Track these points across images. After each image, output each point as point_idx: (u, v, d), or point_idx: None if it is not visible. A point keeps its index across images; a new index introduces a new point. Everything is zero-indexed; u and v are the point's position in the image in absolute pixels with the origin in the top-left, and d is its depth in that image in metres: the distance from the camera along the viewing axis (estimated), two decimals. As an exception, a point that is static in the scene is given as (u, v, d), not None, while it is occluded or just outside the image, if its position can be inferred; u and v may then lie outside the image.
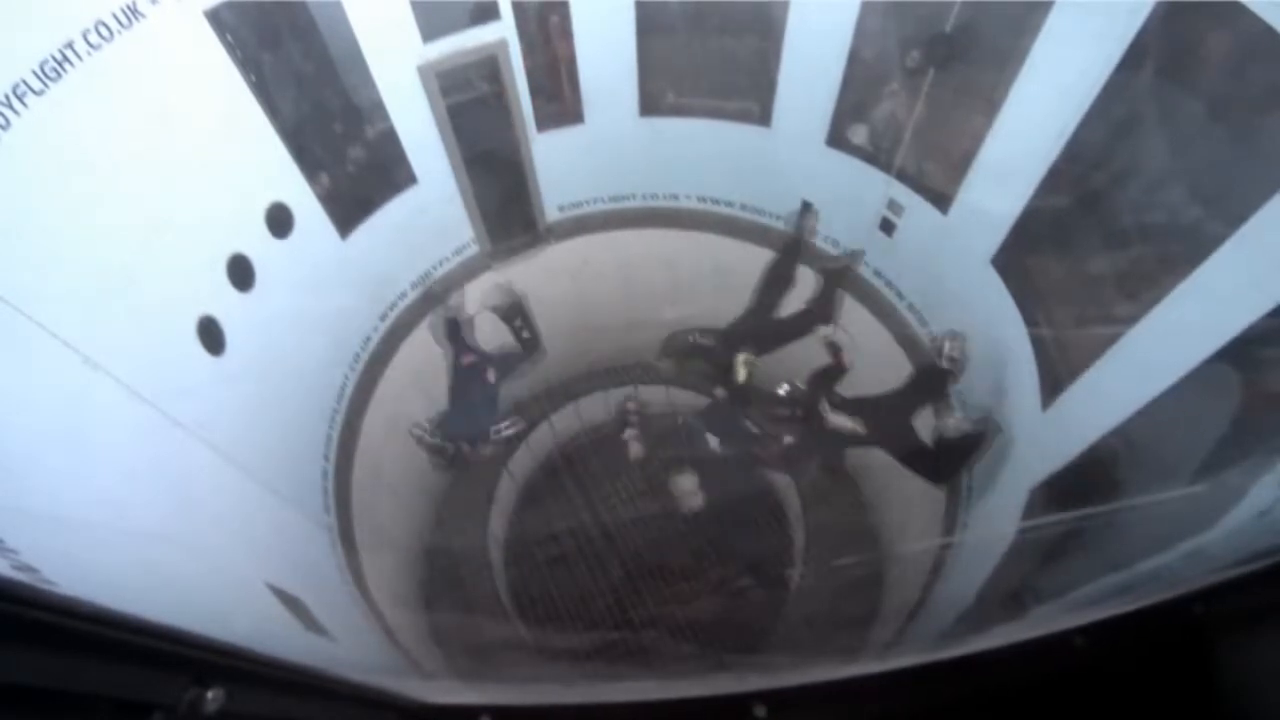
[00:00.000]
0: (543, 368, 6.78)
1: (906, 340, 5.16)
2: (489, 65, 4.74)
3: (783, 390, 4.26)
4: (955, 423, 4.21)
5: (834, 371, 4.62)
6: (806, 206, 4.99)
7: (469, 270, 5.71)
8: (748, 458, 5.17)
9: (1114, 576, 2.57)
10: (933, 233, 4.60)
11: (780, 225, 5.69)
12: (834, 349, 4.61)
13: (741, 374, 4.58)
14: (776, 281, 4.99)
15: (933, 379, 4.46)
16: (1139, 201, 3.61)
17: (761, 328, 4.90)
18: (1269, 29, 2.57)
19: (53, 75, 2.64)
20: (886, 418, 4.49)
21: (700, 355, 4.81)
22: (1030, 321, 4.05)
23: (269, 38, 4.05)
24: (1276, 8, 2.54)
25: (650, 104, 5.27)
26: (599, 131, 5.33)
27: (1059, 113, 3.49)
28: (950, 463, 4.48)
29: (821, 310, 4.95)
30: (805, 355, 4.90)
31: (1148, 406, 3.19)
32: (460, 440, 4.62)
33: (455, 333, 5.14)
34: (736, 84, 5.24)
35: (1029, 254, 4.09)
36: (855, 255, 4.93)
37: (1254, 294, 2.65)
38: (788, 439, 4.56)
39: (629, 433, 5.31)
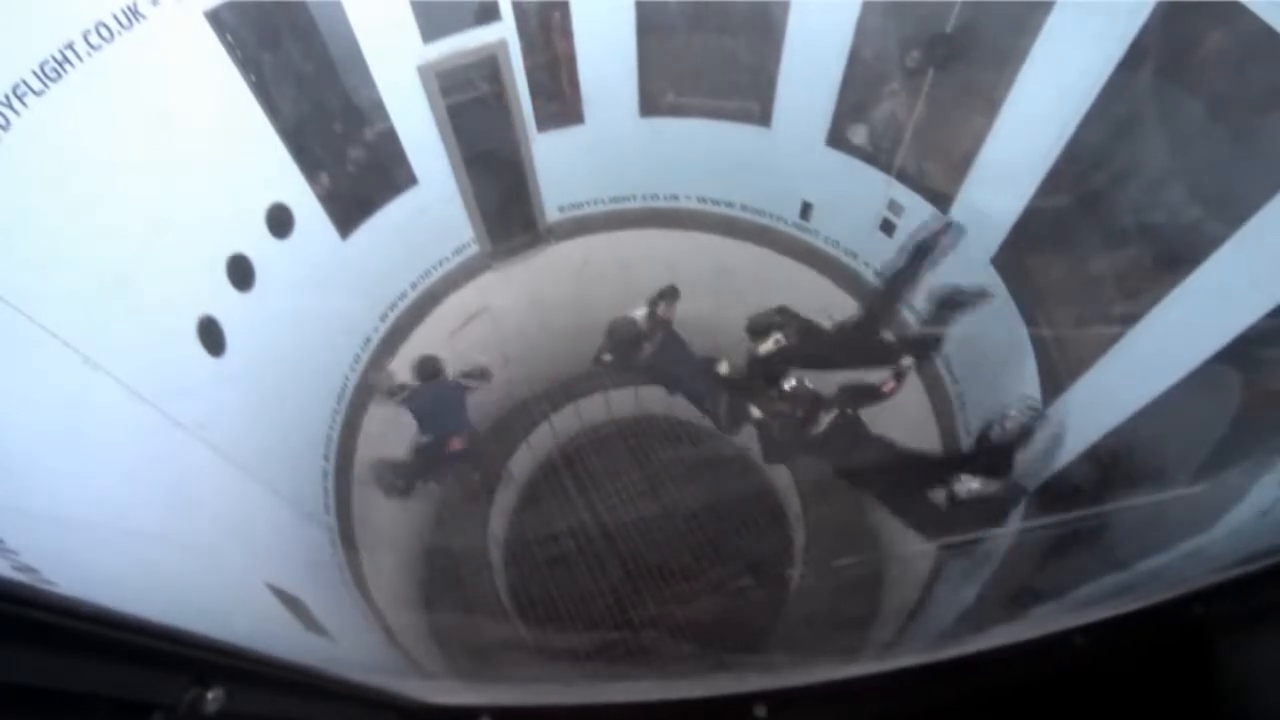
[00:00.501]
0: (543, 368, 6.79)
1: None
2: (489, 65, 4.74)
3: (788, 385, 4.08)
4: (964, 484, 3.81)
5: (873, 395, 4.23)
6: (949, 224, 4.33)
7: (469, 270, 5.72)
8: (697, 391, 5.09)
9: (1114, 576, 2.57)
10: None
11: (781, 226, 5.69)
12: (898, 377, 4.15)
13: (769, 345, 4.43)
14: (896, 294, 4.63)
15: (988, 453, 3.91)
16: (1139, 201, 3.62)
17: (861, 342, 4.56)
18: (1269, 29, 2.57)
19: (53, 75, 2.64)
20: (905, 475, 4.09)
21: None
22: (1030, 321, 4.05)
23: (269, 38, 4.04)
24: (1276, 8, 2.54)
25: (650, 104, 5.27)
26: (599, 131, 5.33)
27: (1059, 113, 3.49)
28: (959, 527, 4.02)
29: (927, 344, 4.56)
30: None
31: (1148, 406, 3.19)
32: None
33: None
34: (736, 84, 5.24)
35: (1029, 254, 4.09)
36: (983, 293, 4.25)
37: (1254, 294, 2.65)
38: (755, 412, 4.35)
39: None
